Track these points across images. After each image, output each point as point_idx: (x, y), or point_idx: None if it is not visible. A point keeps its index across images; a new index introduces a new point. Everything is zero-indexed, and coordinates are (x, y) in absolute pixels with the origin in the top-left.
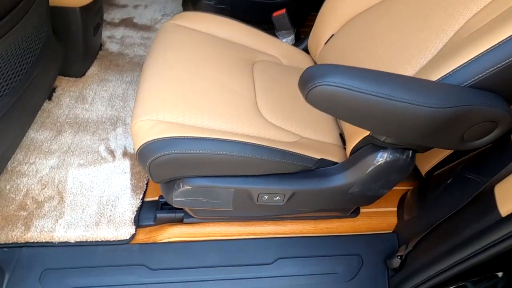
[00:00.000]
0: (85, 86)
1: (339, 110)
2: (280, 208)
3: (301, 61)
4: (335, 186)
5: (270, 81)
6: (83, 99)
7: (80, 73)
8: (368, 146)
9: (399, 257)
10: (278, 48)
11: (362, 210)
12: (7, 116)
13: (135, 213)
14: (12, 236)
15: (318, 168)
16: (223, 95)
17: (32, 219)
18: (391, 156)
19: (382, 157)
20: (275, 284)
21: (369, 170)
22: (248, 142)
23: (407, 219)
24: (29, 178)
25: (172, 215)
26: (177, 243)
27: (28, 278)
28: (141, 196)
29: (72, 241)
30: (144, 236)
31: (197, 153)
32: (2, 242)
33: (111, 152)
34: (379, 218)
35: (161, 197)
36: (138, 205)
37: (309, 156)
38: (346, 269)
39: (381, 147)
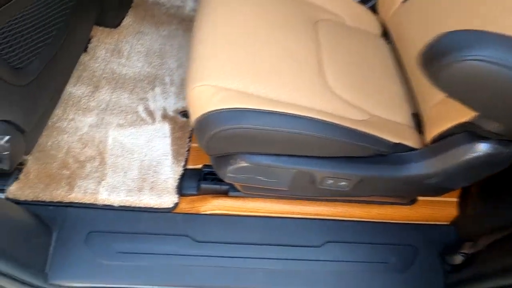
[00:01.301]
0: (120, 38)
1: (480, 93)
2: (339, 192)
3: (368, 22)
4: (410, 175)
5: (336, 46)
6: (119, 53)
7: (115, 23)
8: (462, 134)
9: (462, 254)
10: (342, 5)
11: (419, 198)
12: (48, 68)
13: (178, 181)
14: (56, 195)
15: (392, 153)
16: (286, 60)
17: (75, 179)
18: (493, 149)
19: (482, 149)
20: (324, 268)
21: (460, 161)
22: (319, 119)
23: (472, 213)
24: (69, 135)
25: (217, 186)
26: (221, 215)
27: (74, 238)
28: (183, 163)
29: (116, 205)
30: (186, 206)
31: (267, 129)
32: (47, 200)
33: (150, 114)
34: (437, 208)
35: (205, 166)
36: (181, 173)
37: (384, 139)
38: (399, 259)
39: (482, 136)
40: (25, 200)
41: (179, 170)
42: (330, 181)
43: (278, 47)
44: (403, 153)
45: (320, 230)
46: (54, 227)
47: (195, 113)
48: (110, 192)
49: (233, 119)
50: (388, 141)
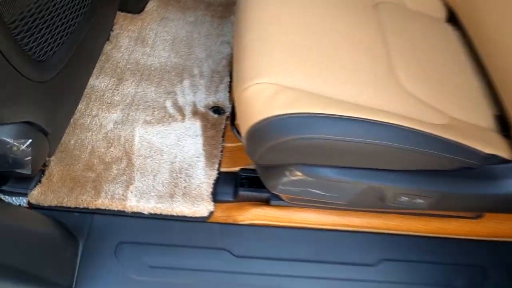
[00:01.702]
0: (144, 25)
1: None
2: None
3: (431, 5)
4: (504, 193)
5: (402, 33)
6: (143, 41)
7: (138, 8)
8: None
9: None
10: None
11: None
12: (72, 61)
13: (212, 186)
14: (82, 200)
15: (482, 166)
16: (350, 51)
17: (101, 183)
18: None
19: None
20: None
21: None
22: (402, 126)
23: None
24: (93, 133)
25: (257, 194)
26: (261, 226)
27: (103, 250)
28: (216, 166)
29: (146, 212)
30: (222, 214)
31: (344, 139)
32: (72, 206)
33: (179, 109)
34: (507, 222)
35: (242, 170)
36: (215, 177)
37: (475, 149)
38: (466, 282)
39: None
40: (49, 206)
41: (213, 174)
42: (405, 199)
43: (338, 35)
44: (496, 166)
45: (373, 246)
46: (81, 236)
47: (249, 119)
48: (139, 198)
49: (305, 127)
50: (479, 151)
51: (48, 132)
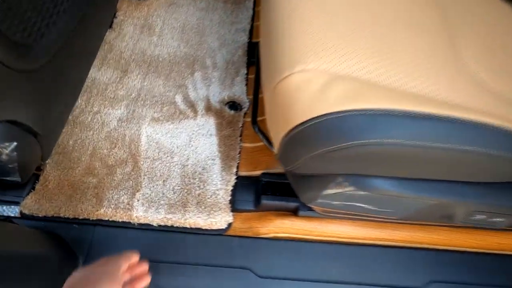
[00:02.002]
0: (151, 11)
1: None
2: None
3: None
4: None
5: (463, 12)
6: (149, 29)
7: None
8: None
9: None
10: None
11: None
12: (67, 47)
13: (230, 193)
14: (82, 209)
15: None
16: (408, 34)
17: (103, 189)
18: None
19: None
20: None
21: None
22: (499, 127)
23: None
24: (95, 132)
25: (283, 203)
26: (287, 241)
27: None
28: (234, 169)
29: (155, 224)
30: (241, 226)
31: (427, 146)
32: (70, 217)
33: (191, 105)
34: None
35: (264, 175)
36: (233, 183)
37: None
38: None
39: None
40: (44, 216)
41: (231, 179)
42: (481, 217)
43: (392, 13)
44: None
45: (420, 264)
46: (80, 252)
47: (290, 119)
48: (148, 208)
49: (374, 130)
50: None
51: (38, 133)
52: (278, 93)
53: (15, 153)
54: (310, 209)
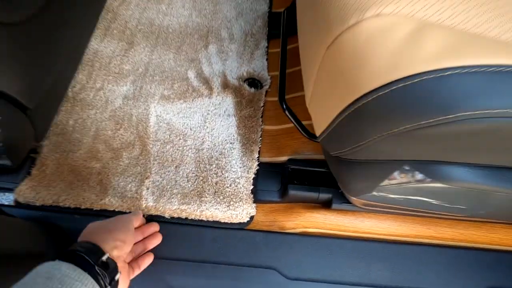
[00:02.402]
0: None
1: None
2: None
3: None
4: None
5: None
6: None
7: None
8: None
9: None
10: None
11: None
12: (56, 4)
13: (252, 182)
14: (84, 198)
15: None
16: None
17: (108, 175)
18: None
19: None
20: None
21: None
22: None
23: None
24: (98, 111)
25: (313, 193)
26: (318, 237)
27: None
28: (256, 155)
29: (167, 215)
30: (264, 219)
31: None
32: (71, 206)
33: (206, 81)
34: None
35: (290, 161)
36: (255, 170)
37: None
38: None
39: None
40: (42, 206)
41: (253, 166)
42: None
43: None
44: None
45: (474, 267)
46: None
47: (362, 82)
48: (158, 197)
49: (495, 93)
50: None
51: (27, 106)
52: (337, 50)
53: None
54: (346, 201)
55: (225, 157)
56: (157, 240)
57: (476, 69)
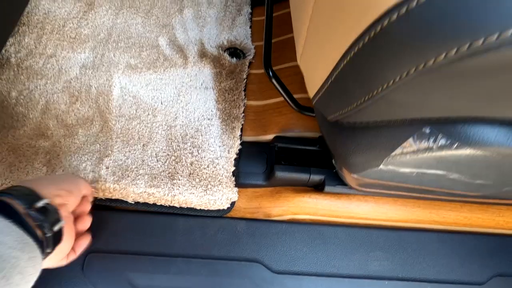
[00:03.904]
0: None
1: None
2: None
3: None
4: None
5: None
6: None
7: None
8: None
9: None
10: None
11: None
12: None
13: (233, 163)
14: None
15: None
16: None
17: (59, 155)
18: None
19: None
20: None
21: None
22: None
23: None
24: (49, 81)
25: (303, 174)
26: (309, 224)
27: (65, 267)
28: (238, 132)
29: (130, 200)
30: (248, 205)
31: None
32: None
33: (180, 50)
34: None
35: (277, 139)
36: (237, 150)
37: None
38: None
39: None
40: None
41: (235, 145)
42: None
43: None
44: None
45: (481, 254)
46: None
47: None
48: (120, 177)
49: None
50: None
51: None
52: None
53: None
54: (340, 183)
55: (202, 135)
56: (86, 223)
57: None
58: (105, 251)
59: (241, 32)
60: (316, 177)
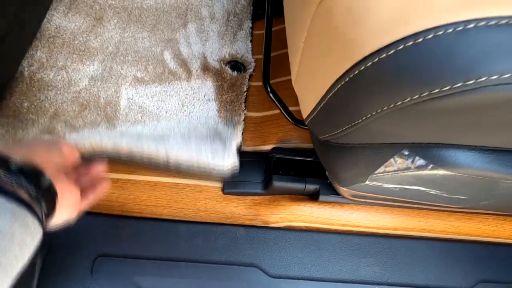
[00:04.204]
0: None
1: None
2: None
3: None
4: None
5: None
6: None
7: None
8: None
9: None
10: None
11: None
12: None
13: (233, 171)
14: None
15: None
16: None
17: None
18: None
19: None
20: None
21: None
22: None
23: None
24: (59, 92)
25: (299, 184)
26: (305, 231)
27: (73, 266)
28: (238, 142)
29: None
30: (247, 212)
31: None
32: None
33: (184, 64)
34: None
35: (276, 150)
36: (237, 161)
37: None
38: None
39: None
40: None
41: (233, 153)
42: None
43: None
44: None
45: (466, 261)
46: (41, 248)
47: (361, 44)
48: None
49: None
50: None
51: None
52: (331, 4)
53: None
54: (334, 192)
55: (200, 144)
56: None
57: (508, 20)
58: (113, 255)
59: (242, 46)
60: (311, 187)
